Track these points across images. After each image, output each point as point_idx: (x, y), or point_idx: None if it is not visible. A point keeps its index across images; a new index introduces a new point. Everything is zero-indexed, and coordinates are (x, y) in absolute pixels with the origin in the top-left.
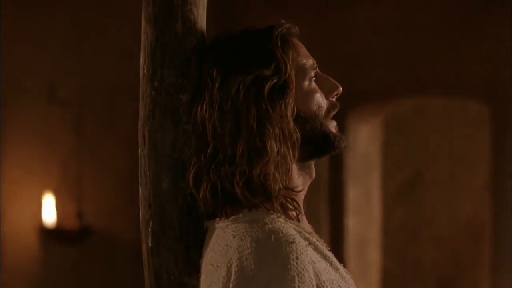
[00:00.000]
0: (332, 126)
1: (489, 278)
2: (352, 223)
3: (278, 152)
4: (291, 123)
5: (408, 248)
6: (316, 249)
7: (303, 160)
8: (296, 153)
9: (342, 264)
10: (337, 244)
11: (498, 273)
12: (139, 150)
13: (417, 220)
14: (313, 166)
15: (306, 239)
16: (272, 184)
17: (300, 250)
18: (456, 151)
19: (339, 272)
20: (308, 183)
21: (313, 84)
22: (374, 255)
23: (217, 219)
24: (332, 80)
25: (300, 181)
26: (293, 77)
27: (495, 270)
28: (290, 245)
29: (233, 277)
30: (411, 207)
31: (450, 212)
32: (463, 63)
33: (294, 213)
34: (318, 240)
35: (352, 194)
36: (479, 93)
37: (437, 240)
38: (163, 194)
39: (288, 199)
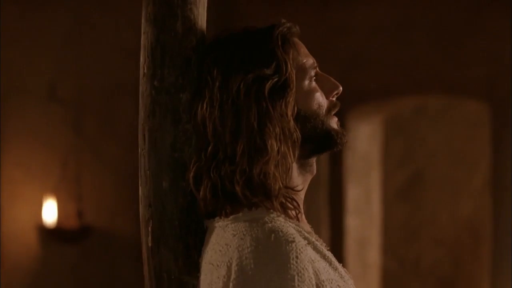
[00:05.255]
0: (334, 122)
1: (489, 278)
2: (352, 222)
3: (278, 151)
4: (292, 122)
5: (408, 248)
6: (315, 248)
7: (304, 157)
8: (297, 152)
9: (341, 264)
10: (337, 244)
11: (498, 273)
12: (139, 150)
13: (417, 220)
14: (314, 163)
15: (305, 238)
16: (272, 183)
17: (299, 249)
18: (456, 151)
19: (338, 272)
20: (309, 179)
21: (313, 84)
22: (374, 255)
23: (217, 218)
24: (332, 79)
25: (300, 180)
26: (294, 76)
27: (495, 270)
28: (290, 244)
29: (233, 276)
30: (411, 207)
31: (450, 212)
32: (463, 63)
33: (293, 212)
34: (317, 240)
35: (352, 194)
36: (479, 93)
37: (437, 240)
38: (163, 194)
39: (288, 198)
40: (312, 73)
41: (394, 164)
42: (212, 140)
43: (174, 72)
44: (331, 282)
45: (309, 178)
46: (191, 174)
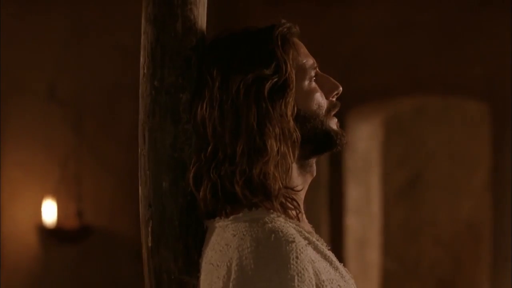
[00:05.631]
0: (333, 123)
1: (489, 278)
2: (352, 223)
3: (278, 151)
4: (291, 123)
5: (408, 248)
6: (316, 248)
7: (304, 158)
8: (296, 152)
9: (342, 264)
10: (337, 244)
11: (498, 273)
12: (139, 150)
13: (417, 220)
14: (314, 163)
15: (306, 238)
16: (272, 184)
17: (300, 250)
18: (456, 151)
19: (339, 272)
20: (309, 180)
21: (313, 84)
22: (374, 255)
23: (217, 218)
24: (332, 79)
25: (300, 180)
26: (293, 76)
27: (495, 270)
28: (290, 245)
29: (233, 276)
30: (411, 207)
31: (450, 212)
32: (463, 63)
33: (294, 212)
34: (318, 240)
35: (352, 194)
36: (479, 93)
37: (437, 240)
38: (163, 194)
39: (288, 199)
40: (312, 73)
41: (394, 164)
42: (212, 140)
43: (174, 72)
44: (332, 282)
45: (309, 179)
46: (191, 174)
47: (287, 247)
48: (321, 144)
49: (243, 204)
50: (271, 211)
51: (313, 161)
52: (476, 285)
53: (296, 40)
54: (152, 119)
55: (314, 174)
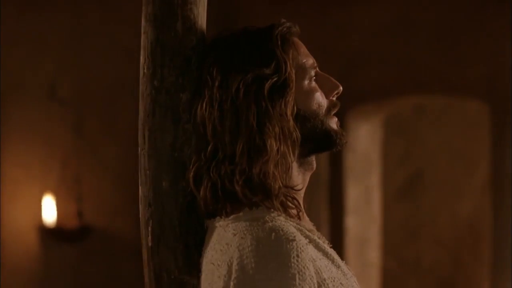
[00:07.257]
0: (333, 122)
1: (489, 278)
2: (352, 222)
3: (278, 150)
4: (291, 122)
5: (408, 248)
6: (317, 246)
7: (303, 157)
8: (296, 152)
9: (343, 261)
10: (337, 244)
11: (498, 273)
12: (139, 150)
13: (417, 220)
14: (313, 160)
15: (307, 237)
16: (272, 183)
17: (300, 248)
18: (456, 150)
19: (341, 269)
20: (309, 175)
21: (313, 83)
22: (374, 255)
23: (218, 217)
24: (332, 79)
25: (300, 178)
26: (293, 76)
27: (495, 270)
28: (291, 243)
29: (233, 275)
30: (411, 207)
31: (450, 212)
32: (463, 63)
33: (294, 211)
34: (319, 238)
35: (352, 194)
36: (479, 93)
37: (437, 240)
38: (163, 193)
39: (288, 198)
40: (312, 73)
41: (394, 164)
42: (212, 139)
43: (174, 72)
44: (334, 280)
45: (308, 175)
46: (191, 174)
47: (288, 246)
48: (321, 143)
49: (243, 204)
50: (272, 210)
51: (312, 158)
52: (476, 285)
53: (296, 39)
54: (152, 119)
55: (314, 168)
